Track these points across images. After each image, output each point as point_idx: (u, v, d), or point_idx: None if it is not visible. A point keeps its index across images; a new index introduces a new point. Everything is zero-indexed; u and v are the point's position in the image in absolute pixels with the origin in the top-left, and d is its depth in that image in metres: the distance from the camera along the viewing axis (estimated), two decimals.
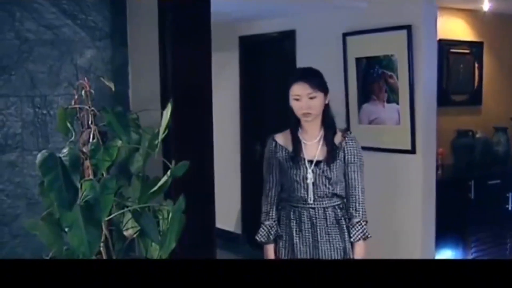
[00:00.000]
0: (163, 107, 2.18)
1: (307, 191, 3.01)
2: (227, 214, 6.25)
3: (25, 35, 2.84)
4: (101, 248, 2.07)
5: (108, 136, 2.06)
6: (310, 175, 2.99)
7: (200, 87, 2.97)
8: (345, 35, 4.72)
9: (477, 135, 5.86)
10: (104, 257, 2.10)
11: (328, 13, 4.86)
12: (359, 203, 3.06)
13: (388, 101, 4.47)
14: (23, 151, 2.84)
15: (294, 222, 3.11)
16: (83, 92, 1.99)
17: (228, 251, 5.88)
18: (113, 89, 2.13)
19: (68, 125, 1.98)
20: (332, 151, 3.01)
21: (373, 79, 4.55)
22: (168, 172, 2.07)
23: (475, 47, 6.01)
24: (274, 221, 3.17)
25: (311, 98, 2.95)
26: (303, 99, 2.96)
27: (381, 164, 4.60)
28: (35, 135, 2.86)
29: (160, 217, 2.15)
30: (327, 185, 3.01)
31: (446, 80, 5.70)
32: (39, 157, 1.85)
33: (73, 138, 2.02)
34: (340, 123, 4.69)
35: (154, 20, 2.95)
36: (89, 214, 1.80)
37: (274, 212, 3.16)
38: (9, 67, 2.81)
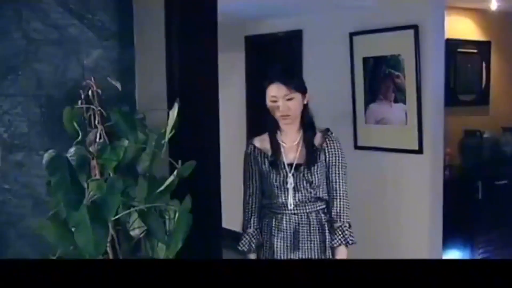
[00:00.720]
0: (170, 107, 2.18)
1: (287, 196, 2.87)
2: (234, 214, 6.24)
3: (32, 35, 2.84)
4: (108, 248, 2.07)
5: (115, 136, 2.06)
6: (290, 180, 2.85)
7: (207, 87, 2.96)
8: (352, 34, 4.71)
9: (485, 135, 5.84)
10: (111, 257, 2.10)
11: (335, 12, 4.85)
12: (340, 207, 2.91)
13: (395, 101, 4.46)
14: (30, 151, 2.84)
15: (276, 229, 2.96)
16: (90, 92, 1.99)
17: (234, 252, 5.87)
18: (120, 89, 2.13)
19: (75, 125, 1.98)
20: (312, 153, 2.88)
21: (380, 79, 4.54)
22: (175, 172, 2.07)
23: (483, 47, 5.98)
24: (256, 229, 3.03)
25: (288, 99, 2.81)
26: (279, 101, 2.82)
27: (387, 164, 4.59)
28: (41, 135, 2.86)
29: (167, 217, 2.14)
30: (309, 189, 2.87)
31: (454, 79, 5.68)
32: (46, 157, 1.85)
33: (80, 138, 2.02)
34: (347, 122, 4.69)
35: (160, 20, 2.94)
36: (95, 214, 1.80)
37: (255, 220, 3.02)
38: (16, 67, 2.81)
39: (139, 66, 3.05)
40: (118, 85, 2.11)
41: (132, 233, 2.15)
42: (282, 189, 2.88)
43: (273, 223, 2.96)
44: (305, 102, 2.90)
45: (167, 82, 2.92)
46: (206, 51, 2.95)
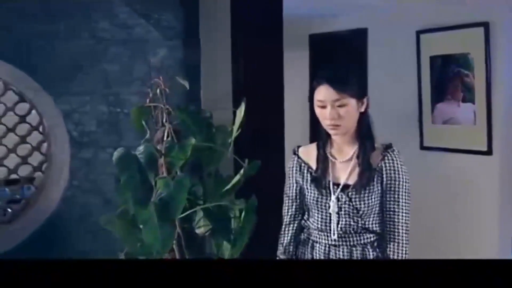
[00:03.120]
0: (235, 105, 2.18)
1: (329, 223, 2.34)
2: None
3: (100, 35, 2.90)
4: (174, 246, 2.09)
5: (181, 134, 2.08)
6: (333, 203, 2.32)
7: (272, 86, 2.96)
8: (419, 33, 4.61)
9: None
10: (177, 254, 2.12)
11: (401, 10, 4.76)
12: (398, 244, 2.34)
13: (464, 101, 4.34)
14: (98, 149, 2.90)
15: None
16: (158, 90, 2.01)
17: None
18: (188, 87, 2.14)
19: (143, 123, 2.01)
20: (365, 173, 2.32)
21: (448, 78, 4.42)
22: (241, 171, 2.07)
23: None
24: (292, 256, 2.52)
25: (339, 106, 2.28)
26: (328, 107, 2.29)
27: (455, 165, 4.47)
28: (109, 132, 2.91)
29: (232, 215, 2.15)
30: (356, 218, 2.33)
31: None
32: (116, 154, 1.88)
33: (147, 136, 2.04)
34: (412, 122, 4.61)
35: (226, 19, 2.95)
36: (163, 211, 1.82)
37: (292, 245, 2.49)
38: (85, 66, 2.87)
39: (204, 65, 3.07)
40: (186, 84, 2.13)
41: (197, 231, 2.16)
42: (324, 214, 2.36)
43: (309, 252, 2.46)
44: (362, 110, 2.34)
45: (233, 81, 2.93)
46: (272, 50, 2.95)
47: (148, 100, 2.05)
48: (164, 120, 1.99)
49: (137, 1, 2.95)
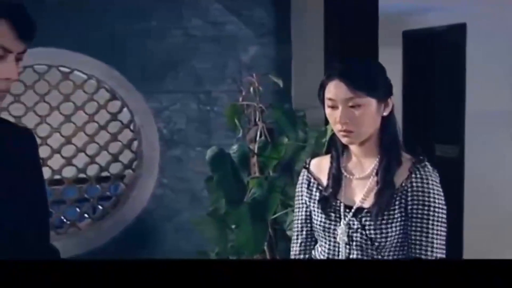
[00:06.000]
0: None
1: (338, 253, 1.91)
2: None
3: (191, 32, 2.89)
4: (265, 247, 2.03)
5: (273, 133, 2.02)
6: (341, 230, 1.85)
7: None
8: None
9: None
10: (268, 255, 2.07)
11: (504, 2, 4.53)
12: None
13: None
14: (187, 147, 2.89)
15: None
16: (251, 88, 1.96)
17: None
18: (281, 85, 2.08)
19: (236, 121, 1.96)
20: (383, 194, 1.82)
21: None
22: None
23: None
24: None
25: (352, 106, 1.77)
26: (340, 107, 1.75)
27: None
28: (198, 131, 2.90)
29: None
30: (370, 250, 1.85)
31: None
32: (209, 153, 1.85)
33: (240, 134, 2.00)
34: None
35: (319, 16, 2.87)
36: (256, 212, 1.77)
37: None
38: (176, 64, 2.87)
39: (296, 63, 3.00)
40: (280, 82, 2.07)
41: (288, 232, 2.10)
42: (331, 244, 1.90)
43: None
44: (386, 113, 1.82)
45: None
46: (366, 48, 2.84)
47: (241, 98, 2.00)
48: (257, 119, 1.94)
49: None
